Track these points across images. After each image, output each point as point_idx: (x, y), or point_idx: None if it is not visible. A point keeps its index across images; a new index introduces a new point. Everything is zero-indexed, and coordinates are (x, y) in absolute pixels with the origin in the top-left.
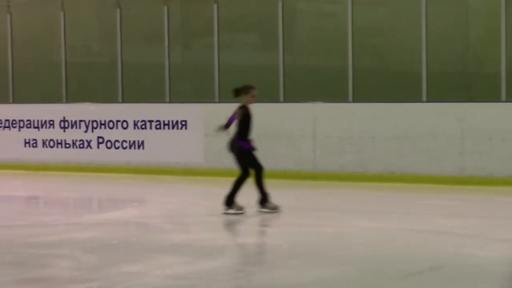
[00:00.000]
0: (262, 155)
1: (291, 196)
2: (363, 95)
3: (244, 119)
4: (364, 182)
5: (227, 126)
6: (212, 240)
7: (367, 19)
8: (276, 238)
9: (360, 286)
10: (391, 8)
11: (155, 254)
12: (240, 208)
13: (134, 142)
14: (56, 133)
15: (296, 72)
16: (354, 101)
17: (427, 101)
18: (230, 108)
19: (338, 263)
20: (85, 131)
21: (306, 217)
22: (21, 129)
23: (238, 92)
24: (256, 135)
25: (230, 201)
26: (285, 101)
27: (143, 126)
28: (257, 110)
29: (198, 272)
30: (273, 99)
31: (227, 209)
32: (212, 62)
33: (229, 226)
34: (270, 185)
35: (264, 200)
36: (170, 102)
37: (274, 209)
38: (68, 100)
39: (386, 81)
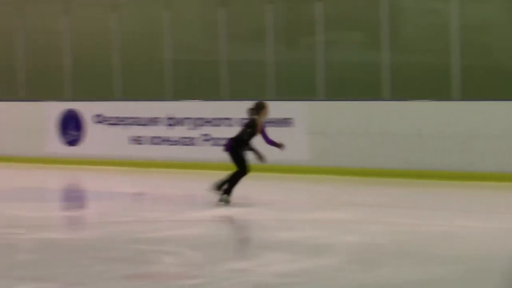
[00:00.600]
0: (365, 153)
1: (394, 194)
2: (470, 93)
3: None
4: (472, 181)
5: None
6: (317, 238)
7: (472, 16)
8: (380, 237)
9: (469, 285)
10: (498, 5)
11: (260, 251)
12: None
13: None
14: (161, 130)
15: (401, 70)
16: (460, 99)
17: None
18: (334, 106)
19: (444, 262)
20: (190, 129)
21: (411, 216)
22: (128, 126)
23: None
24: (358, 133)
25: (229, 190)
26: (389, 99)
27: None
28: (360, 108)
29: (303, 270)
30: (377, 97)
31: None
32: (316, 60)
33: (333, 224)
34: (374, 183)
35: (228, 191)
36: (274, 99)
37: (226, 202)
38: (173, 98)
39: (495, 79)
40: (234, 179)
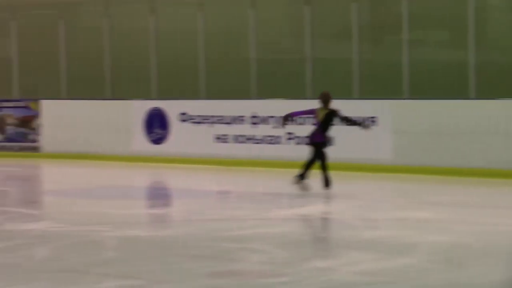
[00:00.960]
0: (449, 152)
1: (480, 193)
2: None
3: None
4: None
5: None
6: (401, 237)
7: None
8: (466, 237)
9: None
10: None
11: (344, 250)
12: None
13: None
14: (246, 129)
15: (486, 68)
16: None
17: None
18: (419, 105)
19: None
20: (275, 127)
21: (496, 216)
22: (213, 124)
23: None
24: (442, 132)
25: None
26: (474, 97)
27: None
28: (444, 106)
29: (387, 269)
30: (462, 96)
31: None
32: (401, 59)
33: (417, 223)
34: (458, 182)
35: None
36: (359, 98)
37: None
38: (258, 96)
39: None
40: (309, 165)
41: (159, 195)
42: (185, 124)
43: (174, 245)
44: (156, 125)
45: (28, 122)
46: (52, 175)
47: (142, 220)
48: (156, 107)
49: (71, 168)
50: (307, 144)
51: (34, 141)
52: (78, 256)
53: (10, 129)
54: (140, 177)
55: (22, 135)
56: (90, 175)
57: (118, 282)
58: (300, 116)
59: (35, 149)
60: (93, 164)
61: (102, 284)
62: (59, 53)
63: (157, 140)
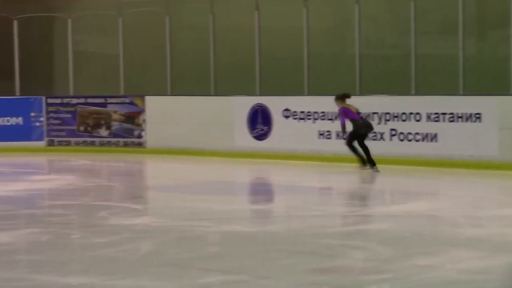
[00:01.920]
0: None
1: None
2: None
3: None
4: None
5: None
6: (506, 235)
7: None
8: None
9: None
10: None
11: (448, 248)
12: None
13: (427, 134)
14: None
15: None
16: None
17: None
18: None
19: None
20: (378, 123)
21: None
22: (315, 120)
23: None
24: None
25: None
26: None
27: (436, 119)
28: None
29: (491, 267)
30: None
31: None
32: (508, 53)
33: None
34: None
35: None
36: (464, 94)
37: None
38: (361, 92)
39: None
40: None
41: (261, 191)
42: (288, 120)
43: (276, 240)
44: (259, 121)
45: (133, 118)
46: (156, 171)
47: (244, 216)
48: (259, 103)
49: (175, 163)
50: (368, 131)
51: (139, 136)
52: (181, 251)
53: (116, 125)
54: (243, 173)
55: (127, 130)
56: (193, 170)
57: (220, 277)
58: (347, 118)
59: (139, 144)
60: (196, 160)
61: (204, 278)
62: (164, 49)
63: (260, 136)
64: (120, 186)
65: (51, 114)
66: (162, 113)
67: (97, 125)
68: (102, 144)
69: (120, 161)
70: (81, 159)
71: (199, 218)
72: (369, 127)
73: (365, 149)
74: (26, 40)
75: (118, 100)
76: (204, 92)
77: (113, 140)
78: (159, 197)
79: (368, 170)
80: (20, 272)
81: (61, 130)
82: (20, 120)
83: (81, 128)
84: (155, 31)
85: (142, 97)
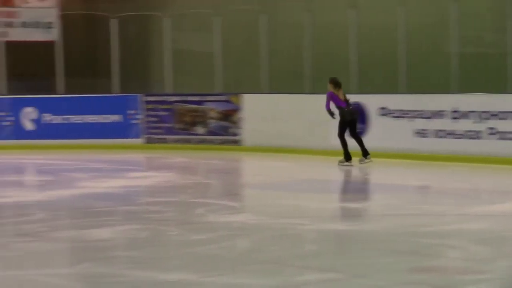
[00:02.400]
0: None
1: None
2: None
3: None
4: None
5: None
6: None
7: None
8: None
9: None
10: None
11: None
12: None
13: None
14: (446, 124)
15: None
16: None
17: None
18: None
19: None
20: (476, 122)
21: None
22: (412, 119)
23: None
24: None
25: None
26: None
27: None
28: None
29: None
30: None
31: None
32: None
33: None
34: None
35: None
36: None
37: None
38: (459, 91)
39: None
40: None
41: (357, 189)
42: (385, 118)
43: (372, 239)
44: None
45: (229, 116)
46: (253, 168)
47: (340, 214)
48: (356, 102)
49: (271, 161)
50: (352, 117)
51: (235, 134)
52: (278, 248)
53: (212, 123)
54: (338, 171)
55: (223, 128)
56: (289, 168)
57: (318, 275)
58: (335, 104)
59: (236, 142)
60: (292, 158)
61: (302, 276)
62: (261, 47)
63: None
64: (217, 183)
65: (149, 112)
66: (258, 111)
67: (194, 123)
68: (198, 142)
69: (216, 158)
70: (178, 157)
71: (295, 216)
72: (353, 114)
73: (358, 140)
74: (124, 39)
75: (215, 98)
76: (300, 90)
77: (210, 138)
78: (255, 194)
79: (349, 165)
80: (119, 268)
81: (158, 128)
82: (118, 117)
83: (178, 126)
84: (251, 29)
85: (238, 95)
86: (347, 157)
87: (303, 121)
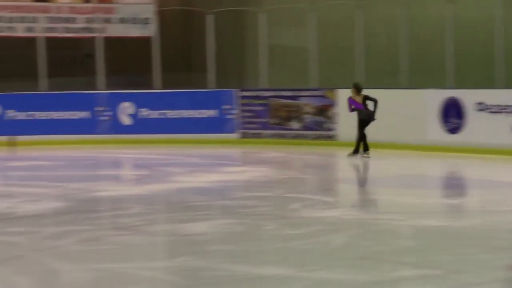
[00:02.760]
0: None
1: None
2: None
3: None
4: None
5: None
6: None
7: None
8: None
9: None
10: None
11: None
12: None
13: None
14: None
15: None
16: None
17: None
18: None
19: None
20: None
21: None
22: (510, 114)
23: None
24: None
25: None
26: None
27: None
28: None
29: None
30: None
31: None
32: None
33: None
34: None
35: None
36: None
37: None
38: None
39: None
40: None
41: (454, 185)
42: (482, 113)
43: (470, 235)
44: (452, 115)
45: (324, 111)
46: (347, 163)
47: (437, 210)
48: (452, 97)
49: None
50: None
51: (330, 129)
52: (373, 244)
53: (307, 118)
54: (435, 167)
55: (318, 123)
56: (385, 164)
57: (413, 271)
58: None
59: (331, 137)
60: (387, 153)
61: (397, 272)
62: (356, 42)
63: (453, 130)
64: (312, 178)
65: (244, 107)
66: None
67: (289, 118)
68: (293, 136)
69: (311, 153)
70: (273, 152)
71: (391, 211)
72: (370, 116)
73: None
74: (220, 34)
75: (310, 93)
76: (395, 85)
77: (305, 133)
78: (350, 189)
79: (367, 157)
80: (216, 261)
81: (254, 123)
82: (213, 112)
83: (273, 121)
84: (347, 24)
85: (333, 90)
86: (366, 148)
87: (398, 116)
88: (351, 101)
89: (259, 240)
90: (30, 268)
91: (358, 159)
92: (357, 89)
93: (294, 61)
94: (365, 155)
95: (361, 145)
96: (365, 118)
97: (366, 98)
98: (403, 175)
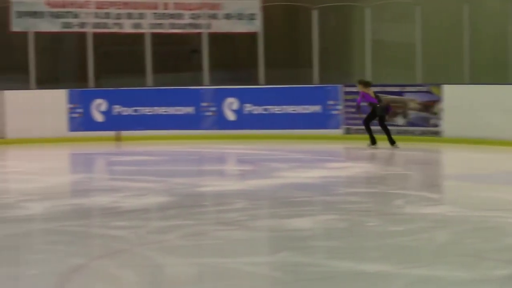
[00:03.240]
0: None
1: None
2: None
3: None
4: None
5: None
6: None
7: None
8: None
9: None
10: None
11: None
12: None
13: None
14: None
15: None
16: None
17: None
18: None
19: None
20: None
21: None
22: None
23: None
24: None
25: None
26: None
27: None
28: None
29: None
30: None
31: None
32: None
33: None
34: None
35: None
36: None
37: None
38: None
39: None
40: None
41: None
42: None
43: None
44: None
45: (429, 106)
46: (453, 160)
47: None
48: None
49: (472, 153)
50: (382, 113)
51: (435, 125)
52: (477, 241)
53: (413, 114)
54: None
55: (423, 119)
56: (491, 160)
57: None
58: (362, 101)
59: (436, 133)
60: (494, 150)
61: (500, 270)
62: (463, 37)
63: None
64: (416, 175)
65: (348, 103)
66: (459, 102)
67: (394, 114)
68: (398, 132)
69: (416, 149)
70: (376, 147)
71: (496, 208)
72: (383, 110)
73: (386, 129)
74: (325, 29)
75: (415, 89)
76: (503, 80)
77: (410, 129)
78: (455, 186)
79: (375, 148)
80: (318, 257)
81: (358, 119)
82: (318, 108)
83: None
84: (453, 19)
85: (439, 86)
86: (373, 141)
87: (505, 113)
88: (364, 95)
89: (361, 236)
90: (135, 262)
91: (463, 156)
92: (365, 84)
93: (399, 57)
94: (373, 146)
95: (370, 137)
96: (379, 114)
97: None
98: (509, 171)
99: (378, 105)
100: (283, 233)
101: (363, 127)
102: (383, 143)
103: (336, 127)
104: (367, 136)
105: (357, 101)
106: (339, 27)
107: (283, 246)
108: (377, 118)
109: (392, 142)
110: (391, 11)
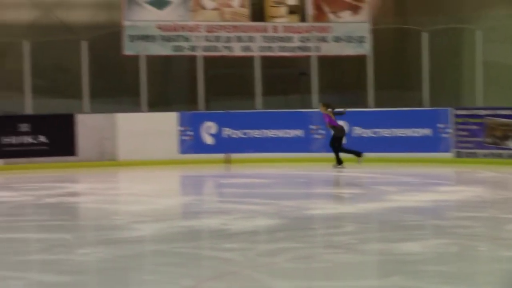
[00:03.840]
0: None
1: None
2: None
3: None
4: None
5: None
6: None
7: None
8: None
9: None
10: None
11: None
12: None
13: None
14: None
15: None
16: None
17: None
18: None
19: None
20: None
21: None
22: None
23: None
24: None
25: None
26: None
27: None
28: None
29: None
30: None
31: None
32: None
33: None
34: None
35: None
36: None
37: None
38: None
39: None
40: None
41: None
42: None
43: None
44: None
45: None
46: None
47: None
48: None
49: None
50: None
51: None
52: None
53: None
54: None
55: None
56: None
57: None
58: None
59: None
60: None
61: None
62: None
63: None
64: None
65: (459, 126)
66: None
67: (505, 137)
68: (509, 156)
69: None
70: (488, 171)
71: None
72: (343, 132)
73: (342, 149)
74: (435, 52)
75: None
76: None
77: None
78: None
79: (339, 168)
80: (429, 282)
81: (469, 142)
82: (428, 131)
83: (489, 140)
84: None
85: None
86: (339, 161)
87: None
88: (329, 118)
89: (473, 261)
90: (244, 285)
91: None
92: (328, 106)
93: (511, 79)
94: (339, 167)
95: (336, 158)
96: (340, 135)
97: (336, 113)
98: None
99: (338, 128)
100: (393, 257)
101: (474, 150)
102: (350, 164)
103: (447, 150)
104: (478, 160)
105: (333, 123)
106: (449, 50)
107: (393, 270)
108: (334, 138)
109: (340, 162)
110: (502, 33)
